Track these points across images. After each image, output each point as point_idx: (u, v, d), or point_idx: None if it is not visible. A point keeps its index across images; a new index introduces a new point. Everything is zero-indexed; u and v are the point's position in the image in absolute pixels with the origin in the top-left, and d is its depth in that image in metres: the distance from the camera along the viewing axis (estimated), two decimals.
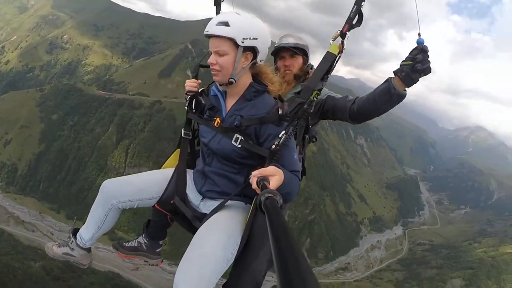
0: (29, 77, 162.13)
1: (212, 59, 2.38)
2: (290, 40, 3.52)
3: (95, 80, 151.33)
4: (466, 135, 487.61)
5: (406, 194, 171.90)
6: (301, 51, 3.53)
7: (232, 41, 2.32)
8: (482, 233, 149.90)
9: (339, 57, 2.62)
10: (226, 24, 2.30)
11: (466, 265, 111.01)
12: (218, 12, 3.13)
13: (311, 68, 3.58)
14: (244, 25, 2.33)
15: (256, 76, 2.60)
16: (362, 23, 2.58)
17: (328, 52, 2.62)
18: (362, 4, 2.51)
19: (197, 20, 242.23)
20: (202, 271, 2.01)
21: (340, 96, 3.52)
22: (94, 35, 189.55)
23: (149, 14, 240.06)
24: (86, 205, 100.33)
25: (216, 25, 2.32)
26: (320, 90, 2.60)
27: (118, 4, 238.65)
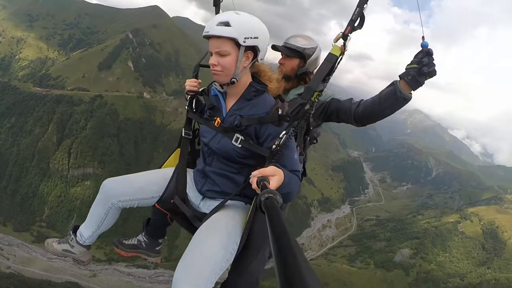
0: None
1: (213, 60, 2.37)
2: (291, 41, 3.54)
3: (30, 76, 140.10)
4: (404, 118, 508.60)
5: (351, 174, 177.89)
6: (297, 54, 3.51)
7: (234, 41, 2.31)
8: (424, 206, 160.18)
9: (341, 58, 2.64)
10: (227, 24, 2.28)
11: (412, 235, 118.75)
12: (217, 12, 3.13)
13: (307, 74, 3.58)
14: (245, 24, 2.32)
15: (256, 75, 2.62)
16: (363, 25, 2.59)
17: (330, 54, 2.64)
18: (365, 6, 2.52)
19: (138, 8, 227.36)
20: (202, 270, 1.99)
21: (345, 98, 3.53)
22: (28, 26, 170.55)
23: (87, 2, 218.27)
24: (32, 213, 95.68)
25: (217, 25, 2.29)
26: (321, 91, 2.62)
27: None
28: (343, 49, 2.58)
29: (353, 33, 2.56)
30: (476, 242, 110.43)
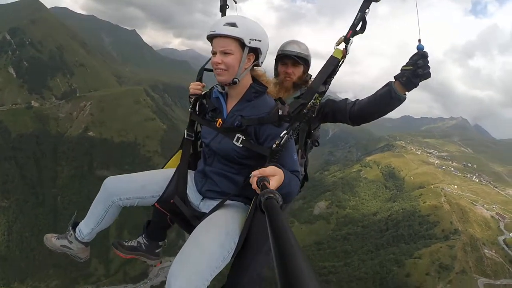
0: None
1: (217, 59, 2.37)
2: (294, 48, 3.52)
3: None
4: None
5: None
6: (303, 61, 3.53)
7: (239, 41, 2.33)
8: (327, 163, 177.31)
9: (342, 61, 2.67)
10: (234, 25, 2.31)
11: (324, 189, 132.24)
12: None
13: (310, 78, 3.58)
14: (250, 27, 2.36)
15: (255, 78, 2.64)
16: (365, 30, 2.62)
17: (331, 56, 2.67)
18: (366, 11, 2.57)
19: (12, 3, 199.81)
20: (197, 265, 1.98)
21: (340, 99, 3.52)
22: None
23: None
24: None
25: (224, 25, 2.32)
26: (323, 93, 2.66)
27: None
28: (344, 52, 2.65)
29: (355, 36, 2.66)
30: (379, 184, 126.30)
